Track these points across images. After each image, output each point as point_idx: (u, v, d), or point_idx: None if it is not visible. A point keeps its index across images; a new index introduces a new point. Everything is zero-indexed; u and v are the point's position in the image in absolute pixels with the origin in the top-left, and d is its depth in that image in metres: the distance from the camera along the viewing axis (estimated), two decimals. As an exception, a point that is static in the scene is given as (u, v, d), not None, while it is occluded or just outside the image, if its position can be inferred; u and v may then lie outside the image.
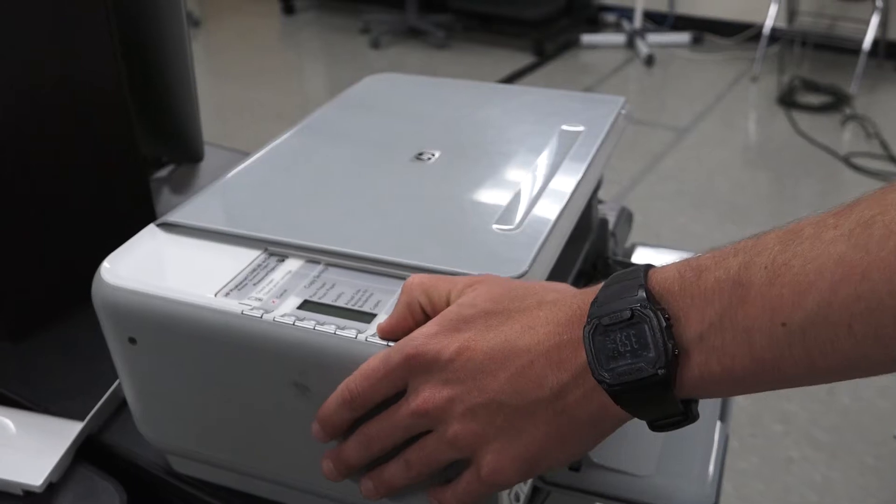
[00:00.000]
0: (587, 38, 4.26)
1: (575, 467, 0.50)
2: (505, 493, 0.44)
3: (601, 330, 0.34)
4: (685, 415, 0.35)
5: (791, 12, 3.73)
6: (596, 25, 4.54)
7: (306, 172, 0.57)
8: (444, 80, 0.75)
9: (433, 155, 0.58)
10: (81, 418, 0.55)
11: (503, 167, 0.57)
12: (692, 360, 0.33)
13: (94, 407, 0.56)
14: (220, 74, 4.00)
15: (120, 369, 0.48)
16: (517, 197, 0.52)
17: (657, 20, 4.34)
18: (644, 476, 0.49)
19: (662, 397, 0.34)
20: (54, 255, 0.67)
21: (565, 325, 0.36)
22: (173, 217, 0.51)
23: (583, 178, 0.55)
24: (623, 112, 0.67)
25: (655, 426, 0.36)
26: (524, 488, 0.47)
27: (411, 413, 0.38)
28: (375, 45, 4.37)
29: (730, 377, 0.33)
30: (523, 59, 4.09)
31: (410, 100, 0.71)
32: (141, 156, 0.72)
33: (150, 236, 0.50)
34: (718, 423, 0.53)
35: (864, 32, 3.42)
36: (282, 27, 4.96)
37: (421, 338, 0.38)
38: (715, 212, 2.57)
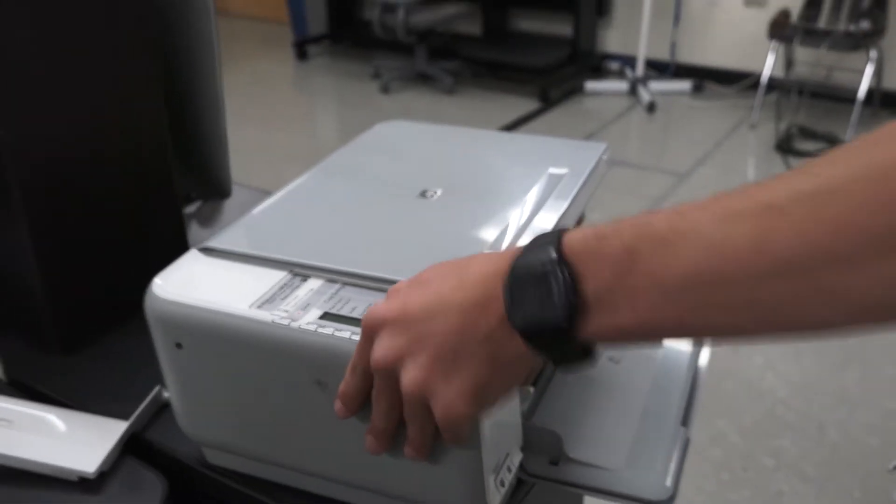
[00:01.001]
0: (591, 85, 4.39)
1: (554, 462, 0.58)
2: (491, 479, 0.52)
3: (517, 283, 0.40)
4: (585, 358, 0.41)
5: (788, 62, 3.85)
6: (600, 73, 4.67)
7: (325, 206, 0.66)
8: (447, 128, 0.84)
9: (436, 193, 0.66)
10: (126, 419, 0.63)
11: (495, 204, 0.65)
12: (590, 314, 0.39)
13: (136, 409, 0.64)
14: (235, 117, 4.09)
15: (166, 371, 0.56)
16: (505, 230, 0.61)
17: (659, 68, 4.47)
18: (614, 470, 0.57)
19: (565, 343, 0.40)
20: (100, 279, 0.76)
21: (491, 278, 0.42)
22: (212, 243, 0.59)
23: (563, 214, 0.63)
24: (605, 157, 0.75)
25: (560, 365, 0.42)
26: (508, 476, 0.54)
27: (374, 369, 0.45)
28: (385, 90, 4.51)
29: (620, 330, 0.39)
30: (529, 105, 4.21)
31: (417, 145, 0.80)
32: (177, 193, 0.82)
33: (192, 259, 0.59)
34: (681, 428, 0.61)
35: (860, 82, 3.53)
36: (295, 72, 5.12)
37: (375, 306, 0.45)
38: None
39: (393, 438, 0.48)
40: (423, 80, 4.61)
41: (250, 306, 0.53)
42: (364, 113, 4.21)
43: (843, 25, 3.52)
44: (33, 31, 0.65)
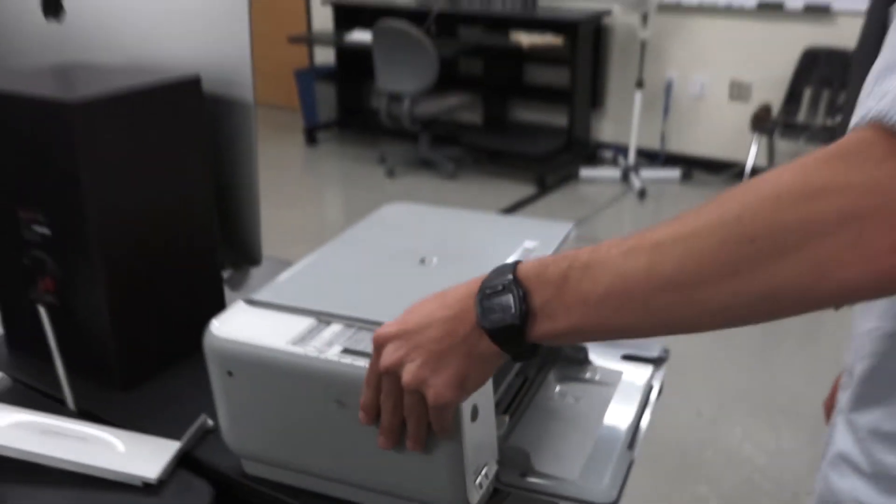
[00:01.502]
0: (585, 172, 4.60)
1: (523, 474, 0.73)
2: (471, 481, 0.66)
3: (485, 297, 0.56)
4: (533, 352, 0.57)
5: (770, 153, 4.07)
6: (594, 161, 4.90)
7: (343, 269, 0.82)
8: (443, 209, 1.01)
9: (433, 260, 0.83)
10: (178, 440, 0.78)
11: (480, 269, 0.81)
12: (537, 320, 0.54)
13: (185, 433, 0.79)
14: (246, 198, 4.31)
15: (217, 394, 0.72)
16: (488, 288, 0.76)
17: (650, 157, 4.70)
18: (571, 480, 0.71)
19: (519, 340, 0.55)
20: (156, 330, 0.92)
21: (465, 297, 0.58)
22: (255, 296, 0.75)
23: (534, 277, 0.79)
24: (572, 235, 0.92)
25: (516, 358, 0.58)
26: (485, 481, 0.69)
27: (382, 371, 0.59)
28: (391, 174, 4.72)
29: (558, 332, 0.54)
30: (526, 190, 4.42)
31: (418, 222, 0.96)
32: (218, 261, 0.98)
33: (240, 308, 0.75)
34: (628, 451, 0.75)
35: (838, 173, 3.73)
36: (305, 156, 5.35)
37: (383, 327, 0.60)
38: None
39: (399, 435, 0.63)
40: (426, 165, 4.83)
41: (286, 343, 0.68)
42: (370, 196, 4.42)
43: (820, 120, 3.76)
44: (127, 139, 0.83)
